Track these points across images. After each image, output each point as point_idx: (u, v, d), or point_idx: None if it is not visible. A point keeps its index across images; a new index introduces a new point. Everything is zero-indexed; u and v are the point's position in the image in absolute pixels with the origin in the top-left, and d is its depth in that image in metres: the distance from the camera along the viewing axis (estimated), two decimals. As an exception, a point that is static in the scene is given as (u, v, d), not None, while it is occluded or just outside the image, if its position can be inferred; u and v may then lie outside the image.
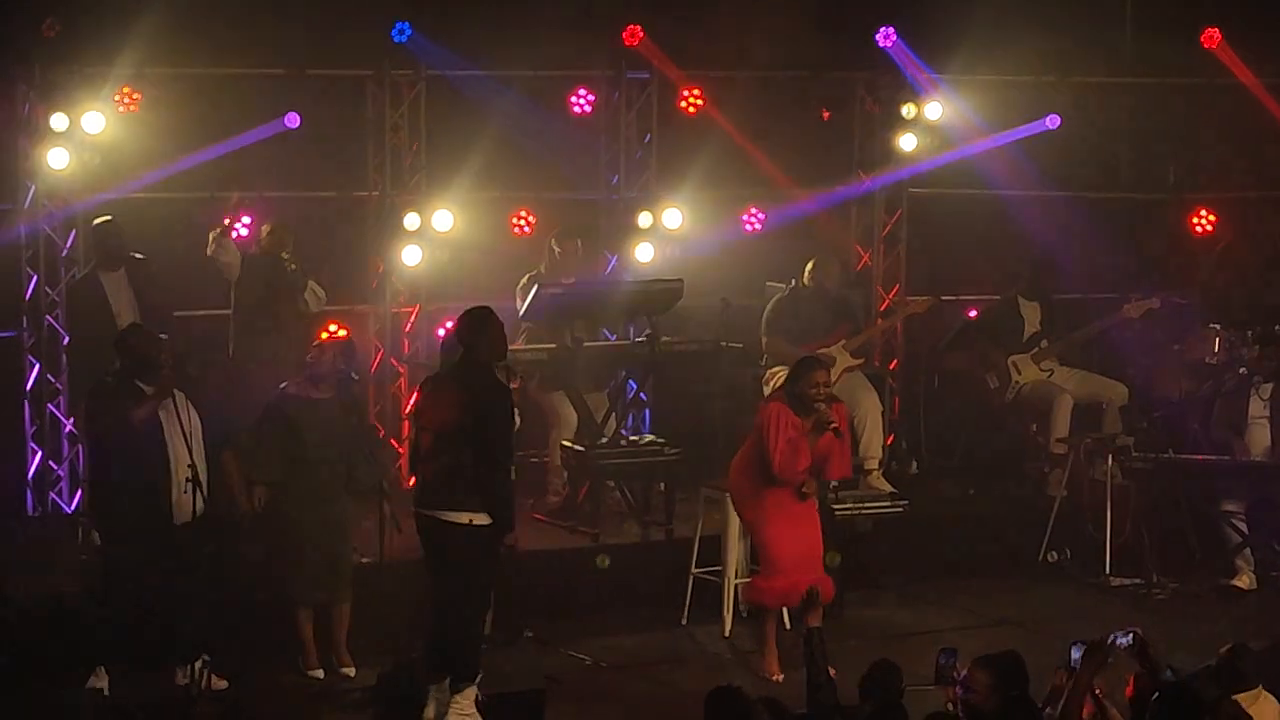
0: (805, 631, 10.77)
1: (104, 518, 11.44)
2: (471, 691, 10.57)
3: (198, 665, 10.95)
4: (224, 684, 11.24)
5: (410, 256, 14.72)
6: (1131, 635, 8.57)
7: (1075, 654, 8.32)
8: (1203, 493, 14.16)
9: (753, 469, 11.85)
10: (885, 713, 8.61)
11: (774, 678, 11.65)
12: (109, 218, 13.66)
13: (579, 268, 14.80)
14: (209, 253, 13.71)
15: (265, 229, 13.89)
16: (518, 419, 11.95)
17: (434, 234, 14.72)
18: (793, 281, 14.88)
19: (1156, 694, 8.18)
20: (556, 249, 14.65)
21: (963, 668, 8.57)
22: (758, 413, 12.05)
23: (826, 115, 15.96)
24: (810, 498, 11.92)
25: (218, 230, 13.68)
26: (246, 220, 14.16)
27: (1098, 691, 8.27)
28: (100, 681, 11.19)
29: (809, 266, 14.84)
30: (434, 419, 10.75)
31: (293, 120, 14.24)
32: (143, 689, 11.19)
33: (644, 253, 15.44)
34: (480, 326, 10.84)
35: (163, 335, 11.79)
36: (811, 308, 14.71)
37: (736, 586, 12.73)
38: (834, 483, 13.34)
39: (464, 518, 10.54)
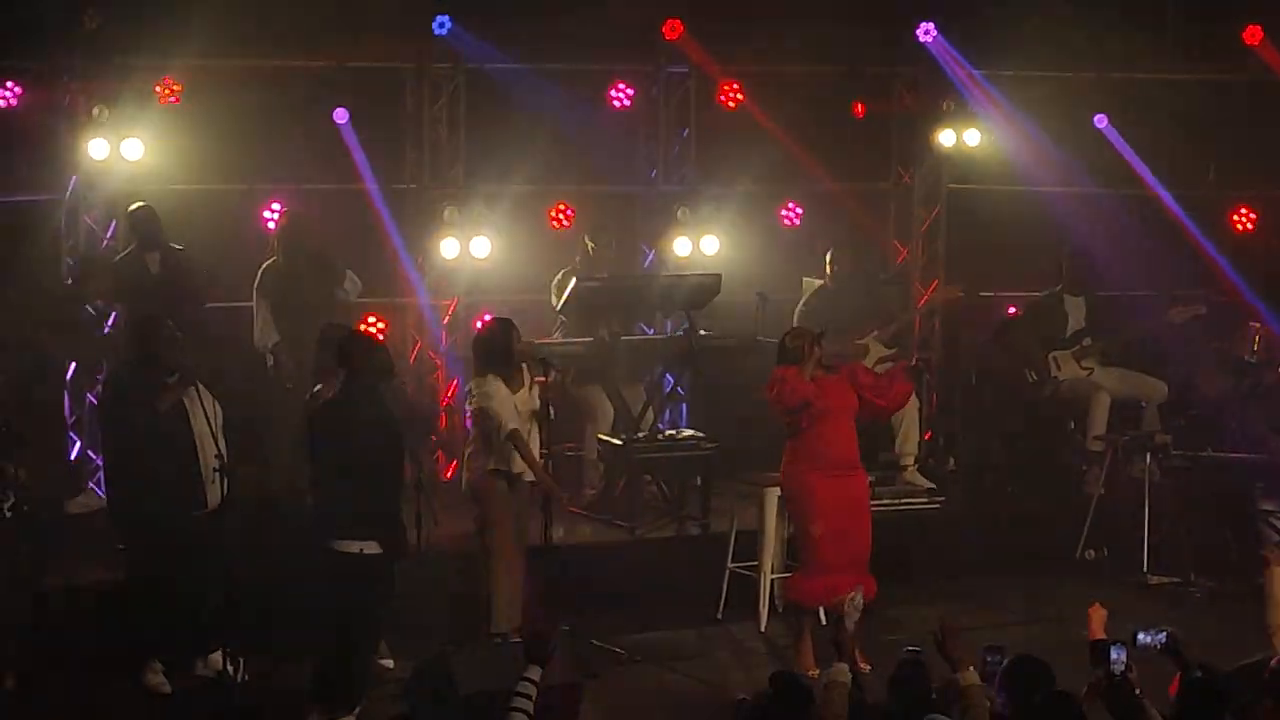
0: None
1: (130, 511, 11.33)
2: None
3: (218, 654, 11.03)
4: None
5: (448, 249, 14.74)
6: (1165, 634, 8.53)
7: (1114, 654, 8.26)
8: (1241, 491, 14.11)
9: (797, 459, 11.82)
10: (913, 711, 8.58)
11: (810, 673, 11.63)
12: (144, 204, 13.73)
13: (614, 262, 14.80)
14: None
15: (276, 236, 13.97)
16: (552, 412, 11.96)
17: (472, 227, 14.74)
18: (827, 273, 14.87)
19: (1183, 691, 8.16)
20: (591, 244, 14.67)
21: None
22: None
23: (861, 110, 15.89)
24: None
25: (261, 324, 13.82)
26: (278, 209, 14.28)
27: (1136, 691, 8.23)
28: (157, 678, 11.20)
29: (827, 259, 14.83)
30: (323, 444, 10.67)
31: (341, 116, 14.33)
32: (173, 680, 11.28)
33: (681, 247, 15.44)
34: (363, 349, 10.79)
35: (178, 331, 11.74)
36: (844, 300, 14.68)
37: (773, 581, 12.73)
38: (870, 478, 13.33)
39: (354, 547, 10.49)
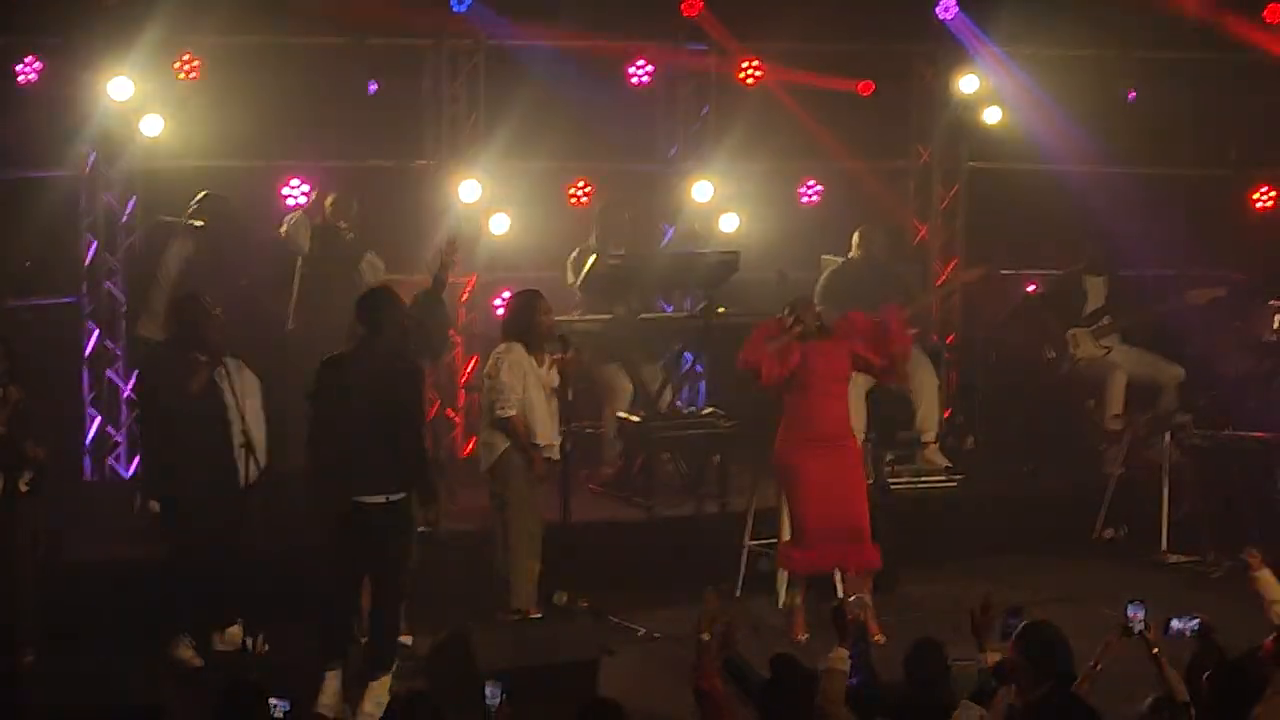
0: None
1: (169, 487, 11.37)
2: (388, 679, 10.55)
3: (237, 627, 11.11)
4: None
5: (467, 226, 14.71)
6: (1198, 621, 8.58)
7: (1131, 612, 8.33)
8: (1261, 470, 14.08)
9: (788, 432, 11.83)
10: (927, 689, 8.59)
11: (798, 639, 11.67)
12: (215, 194, 13.68)
13: (630, 239, 14.78)
14: (283, 232, 13.76)
15: (329, 200, 13.93)
16: (571, 394, 11.95)
17: (491, 204, 14.72)
18: (855, 252, 14.83)
19: (1209, 673, 8.18)
20: (605, 221, 14.65)
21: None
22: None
23: (870, 88, 15.80)
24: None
25: (299, 213, 13.75)
26: (305, 189, 14.25)
27: (1155, 651, 8.29)
28: (188, 651, 11.26)
29: (855, 237, 14.80)
30: (351, 398, 10.51)
31: (373, 87, 14.36)
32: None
33: (701, 224, 15.42)
34: (384, 306, 10.74)
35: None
36: (864, 280, 14.63)
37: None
38: (889, 456, 13.34)
39: (380, 498, 10.43)
